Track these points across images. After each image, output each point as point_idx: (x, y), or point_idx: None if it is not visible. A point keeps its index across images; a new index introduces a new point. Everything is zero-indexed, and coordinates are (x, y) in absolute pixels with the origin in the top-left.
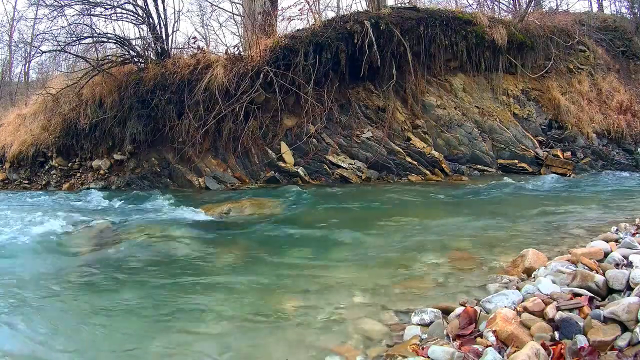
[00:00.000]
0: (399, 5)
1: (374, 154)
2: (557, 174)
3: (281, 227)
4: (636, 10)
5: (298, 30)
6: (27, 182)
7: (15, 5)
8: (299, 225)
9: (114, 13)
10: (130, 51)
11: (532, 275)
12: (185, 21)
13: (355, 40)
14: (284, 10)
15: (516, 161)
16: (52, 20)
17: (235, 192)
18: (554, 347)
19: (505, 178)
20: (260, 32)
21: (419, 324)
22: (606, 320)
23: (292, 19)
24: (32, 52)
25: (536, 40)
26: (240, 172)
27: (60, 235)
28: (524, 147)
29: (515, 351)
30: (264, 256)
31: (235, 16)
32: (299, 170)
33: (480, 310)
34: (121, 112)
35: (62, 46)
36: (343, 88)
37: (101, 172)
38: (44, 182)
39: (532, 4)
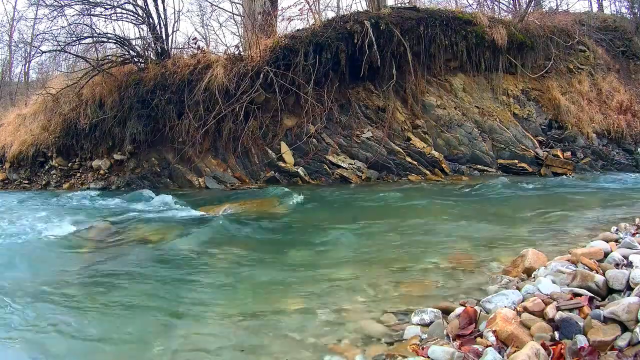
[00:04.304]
0: (399, 5)
1: (374, 154)
2: (557, 174)
3: (281, 227)
4: (636, 10)
5: (298, 30)
6: (27, 182)
7: (15, 5)
8: (298, 225)
9: (114, 13)
10: (130, 51)
11: (532, 275)
12: (185, 21)
13: (355, 40)
14: (284, 10)
15: (516, 161)
16: (52, 20)
17: (235, 192)
18: (554, 347)
19: (505, 178)
20: (260, 32)
21: (419, 324)
22: (606, 320)
23: (292, 19)
24: (32, 52)
25: (536, 40)
26: (240, 172)
27: (60, 236)
28: (524, 147)
29: (515, 351)
30: (264, 256)
31: (235, 16)
32: (299, 170)
33: (480, 310)
34: (121, 112)
35: (62, 46)
36: (343, 88)
37: (101, 172)
38: (44, 182)
39: (532, 4)
